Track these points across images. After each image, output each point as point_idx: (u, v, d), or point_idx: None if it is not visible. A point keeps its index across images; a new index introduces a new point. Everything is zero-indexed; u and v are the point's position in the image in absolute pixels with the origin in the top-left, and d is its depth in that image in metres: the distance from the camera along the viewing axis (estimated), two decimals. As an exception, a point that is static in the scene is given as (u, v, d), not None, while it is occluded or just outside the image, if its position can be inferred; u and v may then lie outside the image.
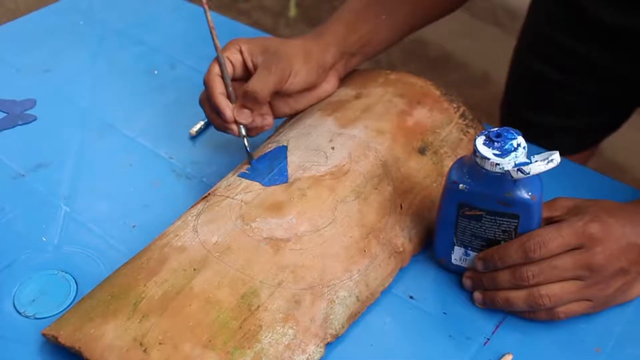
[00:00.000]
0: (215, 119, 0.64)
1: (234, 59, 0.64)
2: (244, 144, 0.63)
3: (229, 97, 0.63)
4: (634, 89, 0.81)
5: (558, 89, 0.85)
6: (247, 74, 0.65)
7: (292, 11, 2.35)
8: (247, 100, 0.62)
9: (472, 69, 2.03)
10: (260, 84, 0.61)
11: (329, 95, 0.70)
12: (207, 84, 0.63)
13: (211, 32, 0.64)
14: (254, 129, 0.64)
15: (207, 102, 0.64)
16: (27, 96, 0.81)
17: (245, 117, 0.62)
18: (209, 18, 0.65)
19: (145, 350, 0.49)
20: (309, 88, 0.67)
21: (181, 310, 0.51)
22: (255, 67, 0.64)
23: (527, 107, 0.91)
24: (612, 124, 0.91)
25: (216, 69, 0.63)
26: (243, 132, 0.63)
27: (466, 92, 0.69)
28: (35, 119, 0.78)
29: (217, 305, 0.51)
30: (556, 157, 0.48)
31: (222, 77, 0.63)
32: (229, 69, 0.63)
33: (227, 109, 0.62)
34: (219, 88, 0.62)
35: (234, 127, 0.63)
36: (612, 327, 0.55)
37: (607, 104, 0.86)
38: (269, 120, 0.64)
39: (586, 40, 0.79)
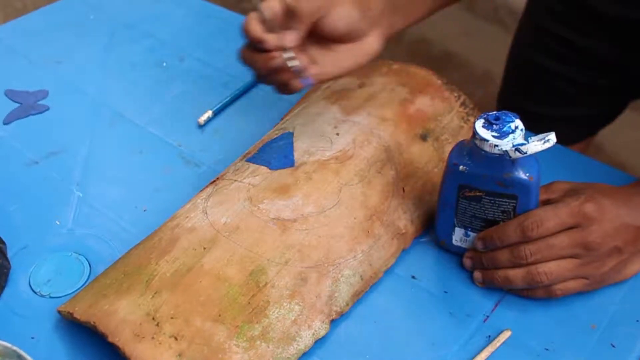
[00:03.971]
0: (257, 59, 0.56)
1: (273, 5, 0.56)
2: (294, 65, 0.55)
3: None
4: (632, 80, 0.83)
5: (557, 80, 0.87)
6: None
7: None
8: (288, 17, 0.55)
9: (474, 67, 2.05)
10: (305, 1, 0.55)
11: (377, 55, 0.61)
12: (244, 28, 0.56)
13: None
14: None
15: (247, 49, 0.57)
16: (40, 87, 0.83)
17: (290, 38, 0.55)
18: None
19: (157, 324, 0.51)
20: (353, 38, 0.59)
21: (192, 287, 0.53)
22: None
23: (524, 97, 0.93)
24: (610, 114, 0.93)
25: (255, 13, 0.56)
26: (289, 56, 0.55)
27: (468, 90, 0.70)
28: (47, 109, 0.80)
29: (227, 282, 0.53)
30: (552, 137, 0.50)
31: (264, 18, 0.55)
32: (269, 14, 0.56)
33: (269, 36, 0.55)
34: (256, 24, 0.55)
35: (277, 54, 0.55)
36: (607, 305, 0.57)
37: (606, 95, 0.87)
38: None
39: (585, 31, 0.80)
